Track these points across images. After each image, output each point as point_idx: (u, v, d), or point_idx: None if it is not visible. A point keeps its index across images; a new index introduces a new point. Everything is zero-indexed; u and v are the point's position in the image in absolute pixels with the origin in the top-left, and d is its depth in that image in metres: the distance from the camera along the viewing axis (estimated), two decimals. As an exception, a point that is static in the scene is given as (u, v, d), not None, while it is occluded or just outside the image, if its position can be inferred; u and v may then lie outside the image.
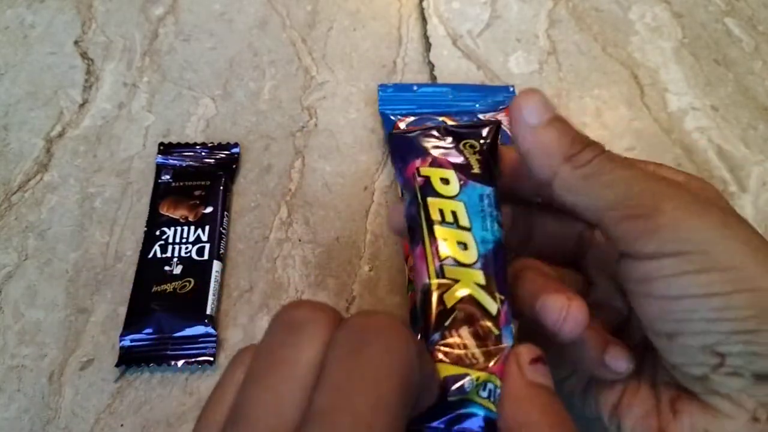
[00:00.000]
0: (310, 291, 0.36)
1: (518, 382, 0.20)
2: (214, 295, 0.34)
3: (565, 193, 0.22)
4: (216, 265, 0.35)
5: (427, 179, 0.23)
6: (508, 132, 0.36)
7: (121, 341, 0.33)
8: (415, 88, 0.42)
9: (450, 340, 0.20)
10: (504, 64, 0.45)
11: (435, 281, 0.21)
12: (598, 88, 0.44)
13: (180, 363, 0.33)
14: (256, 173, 0.40)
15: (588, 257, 0.27)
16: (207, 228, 0.36)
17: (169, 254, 0.35)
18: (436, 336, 0.20)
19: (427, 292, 0.21)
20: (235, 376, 0.17)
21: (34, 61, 0.44)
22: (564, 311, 0.21)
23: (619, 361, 0.23)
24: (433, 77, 0.44)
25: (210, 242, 0.36)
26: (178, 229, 0.36)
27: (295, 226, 0.38)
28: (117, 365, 0.33)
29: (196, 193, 0.38)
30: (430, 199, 0.22)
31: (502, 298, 0.21)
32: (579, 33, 0.47)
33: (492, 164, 0.23)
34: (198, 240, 0.36)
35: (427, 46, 0.46)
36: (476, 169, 0.23)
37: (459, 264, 0.21)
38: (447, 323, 0.21)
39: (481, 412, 0.20)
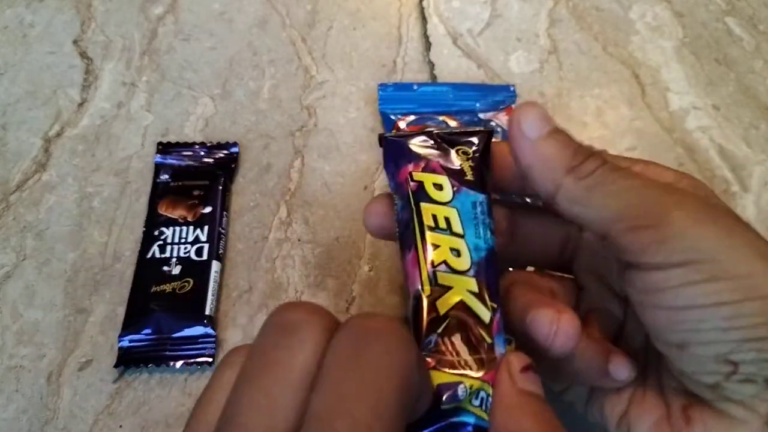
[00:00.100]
0: (309, 291, 0.36)
1: (509, 390, 0.20)
2: (213, 295, 0.34)
3: (570, 206, 0.22)
4: (215, 265, 0.35)
5: (420, 184, 0.22)
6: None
7: (119, 342, 0.33)
8: (415, 87, 0.41)
9: (442, 348, 0.20)
10: (504, 64, 0.45)
11: (428, 288, 0.21)
12: (599, 88, 0.44)
13: (179, 364, 0.33)
14: (255, 173, 0.40)
15: (578, 261, 0.26)
16: (206, 228, 0.36)
17: (167, 254, 0.35)
18: (429, 343, 0.20)
19: (419, 299, 0.21)
20: (225, 376, 0.17)
21: (33, 61, 0.44)
22: (554, 326, 0.21)
23: (621, 370, 0.23)
24: (434, 76, 0.44)
25: (209, 242, 0.36)
26: (177, 229, 0.36)
27: (294, 226, 0.38)
28: (116, 366, 0.33)
29: (195, 192, 0.37)
30: (423, 205, 0.22)
31: (495, 306, 0.21)
32: (580, 32, 0.47)
33: (484, 171, 0.23)
34: (197, 240, 0.36)
35: (427, 45, 0.46)
36: (469, 176, 0.23)
37: (452, 271, 0.21)
38: (440, 330, 0.20)
39: (471, 420, 0.20)
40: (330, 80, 0.44)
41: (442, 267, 0.21)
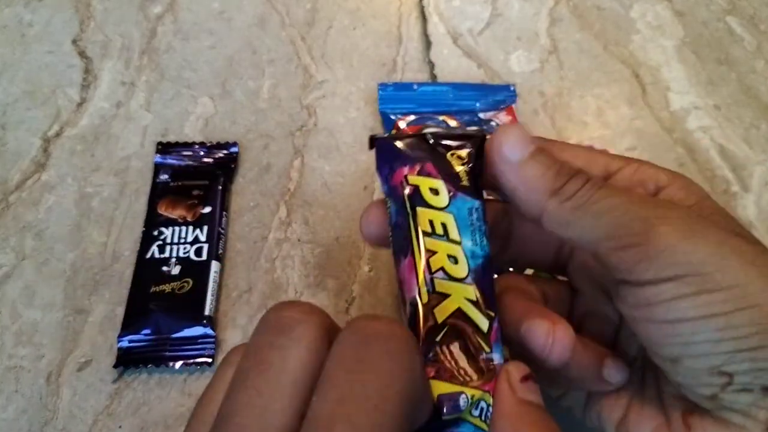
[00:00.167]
0: (309, 291, 0.36)
1: (510, 400, 0.20)
2: (212, 295, 0.34)
3: (556, 228, 0.21)
4: (214, 265, 0.35)
5: (416, 188, 0.22)
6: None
7: (119, 342, 0.33)
8: (415, 87, 0.41)
9: (441, 357, 0.20)
10: (505, 63, 0.45)
11: (425, 295, 0.21)
12: (600, 87, 0.44)
13: (178, 364, 0.33)
14: (255, 173, 0.40)
15: (572, 265, 0.26)
16: (205, 228, 0.36)
17: (167, 254, 0.35)
18: (427, 352, 0.20)
19: (416, 306, 0.20)
20: (226, 375, 0.17)
21: (31, 60, 0.44)
22: (550, 338, 0.21)
23: (615, 373, 0.23)
24: (434, 76, 0.44)
25: (208, 242, 0.36)
26: (176, 229, 0.36)
27: (294, 226, 0.38)
28: (115, 366, 0.33)
29: (195, 192, 0.37)
30: (419, 209, 0.21)
31: (492, 314, 0.21)
32: (580, 31, 0.46)
33: (478, 177, 0.23)
34: (196, 240, 0.36)
35: (428, 44, 0.46)
36: (465, 181, 0.22)
37: (450, 278, 0.21)
38: (438, 339, 0.20)
39: (471, 431, 0.20)
40: (330, 80, 0.44)
41: (440, 274, 0.21)
